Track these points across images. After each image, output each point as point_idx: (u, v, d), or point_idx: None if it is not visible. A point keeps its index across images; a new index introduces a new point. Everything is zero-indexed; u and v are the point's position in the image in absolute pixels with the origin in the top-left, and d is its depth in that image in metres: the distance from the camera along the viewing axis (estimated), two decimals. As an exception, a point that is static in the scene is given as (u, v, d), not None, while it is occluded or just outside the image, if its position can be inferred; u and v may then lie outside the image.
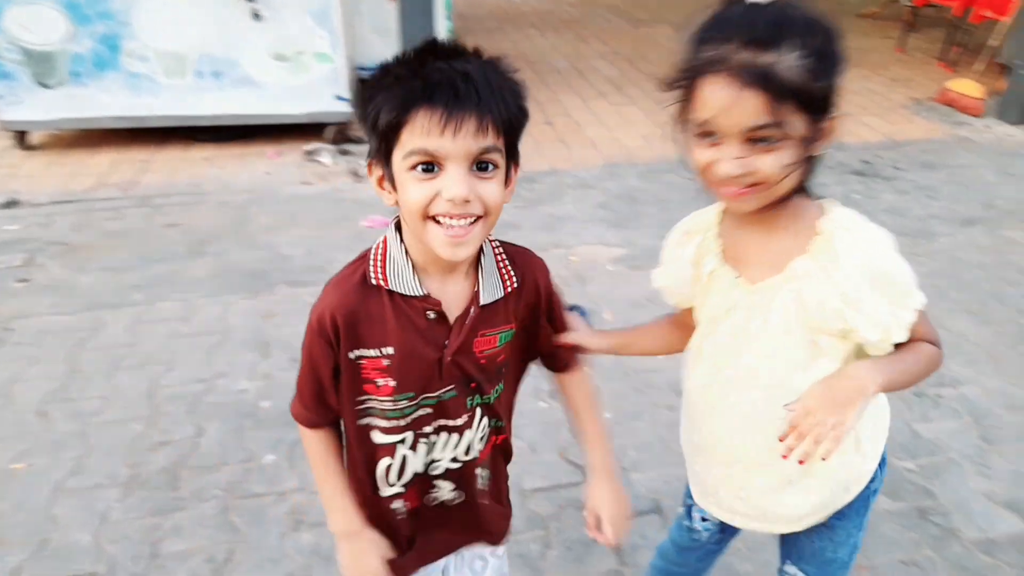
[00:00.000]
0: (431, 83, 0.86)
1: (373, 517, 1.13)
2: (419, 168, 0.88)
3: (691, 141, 0.96)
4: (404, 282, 0.98)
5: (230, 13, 4.03)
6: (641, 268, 3.18)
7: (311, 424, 1.10)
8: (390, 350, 0.99)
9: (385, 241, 1.00)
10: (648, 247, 3.35)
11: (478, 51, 0.92)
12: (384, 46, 4.81)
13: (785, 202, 0.97)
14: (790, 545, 1.26)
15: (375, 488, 1.11)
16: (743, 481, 1.16)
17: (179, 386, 2.45)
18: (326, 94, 4.29)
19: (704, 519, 1.35)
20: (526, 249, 1.12)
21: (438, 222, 0.89)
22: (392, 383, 1.01)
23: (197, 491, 2.05)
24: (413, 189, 0.89)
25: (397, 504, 1.13)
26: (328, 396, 1.05)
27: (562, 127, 4.89)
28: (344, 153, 4.33)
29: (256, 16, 4.04)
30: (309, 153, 4.31)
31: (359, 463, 1.11)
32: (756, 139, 0.90)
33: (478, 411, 1.09)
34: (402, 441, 1.06)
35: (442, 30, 4.89)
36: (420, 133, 0.86)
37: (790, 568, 1.27)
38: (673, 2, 8.93)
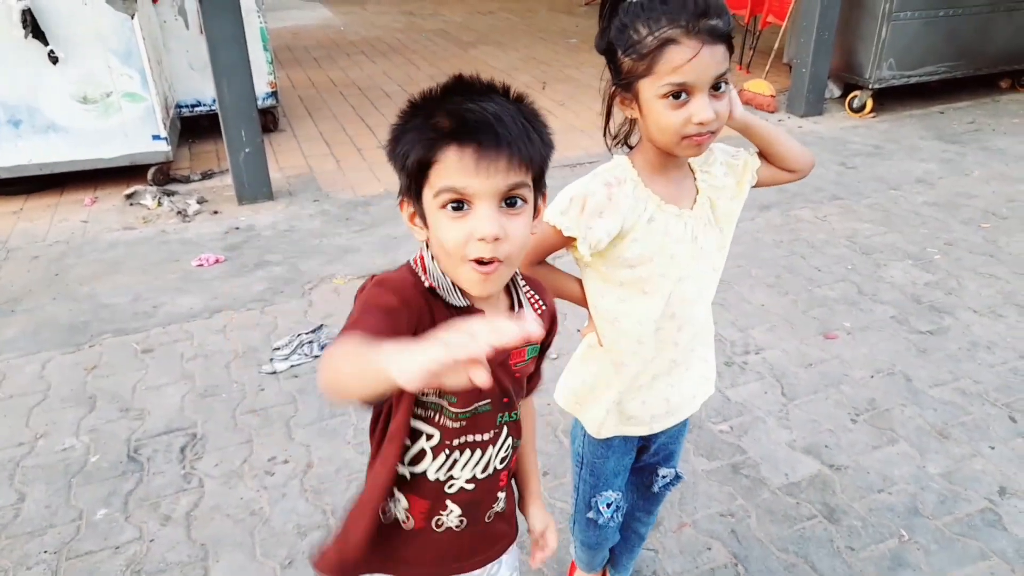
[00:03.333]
0: (463, 123, 0.87)
1: (379, 538, 1.08)
2: (450, 207, 0.89)
3: (654, 107, 1.13)
4: (448, 292, 0.98)
5: (23, 58, 3.79)
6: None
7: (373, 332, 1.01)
8: None
9: (422, 258, 1.00)
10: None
11: (505, 88, 0.94)
12: (203, 81, 4.70)
13: None
14: (660, 450, 1.55)
15: (395, 474, 1.06)
16: (678, 376, 1.41)
17: (-7, 454, 2.29)
18: (142, 134, 4.13)
19: (609, 504, 1.51)
20: (537, 280, 1.16)
21: (472, 261, 0.91)
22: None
23: (21, 559, 1.93)
24: (447, 229, 0.90)
25: (402, 513, 1.09)
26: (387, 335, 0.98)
27: (395, 150, 4.95)
28: (168, 194, 4.18)
29: (53, 59, 3.83)
30: (130, 197, 4.13)
31: (392, 454, 1.05)
32: (717, 85, 1.11)
33: (505, 428, 1.10)
34: (429, 436, 1.05)
35: (261, 62, 4.84)
36: (451, 172, 0.87)
37: (663, 471, 1.58)
38: (498, 25, 9.29)
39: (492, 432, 1.08)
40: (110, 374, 2.66)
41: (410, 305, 0.95)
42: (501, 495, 1.16)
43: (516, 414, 1.11)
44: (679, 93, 1.10)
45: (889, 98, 5.68)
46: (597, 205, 1.22)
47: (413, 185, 0.93)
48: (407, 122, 0.93)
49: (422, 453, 1.07)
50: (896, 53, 5.39)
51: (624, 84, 1.16)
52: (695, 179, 1.31)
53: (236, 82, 3.87)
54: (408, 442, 1.06)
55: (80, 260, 3.50)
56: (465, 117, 0.88)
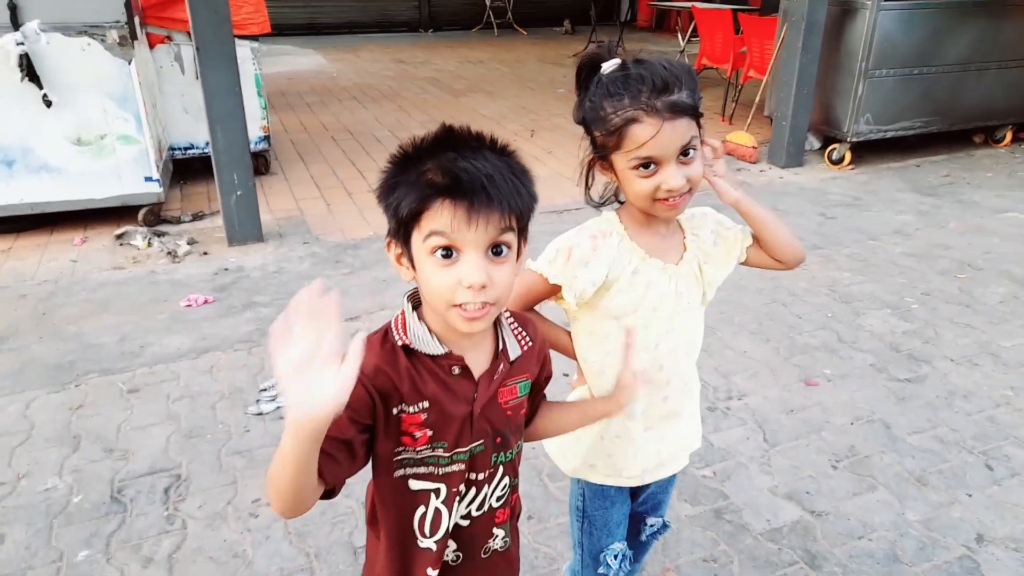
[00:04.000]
0: (457, 181, 0.91)
1: None
2: (439, 253, 0.94)
3: (627, 177, 1.21)
4: (425, 344, 1.03)
5: (19, 100, 3.86)
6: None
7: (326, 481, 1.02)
8: (425, 404, 1.03)
9: (403, 314, 1.05)
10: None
11: (493, 141, 0.99)
12: (196, 125, 4.78)
13: None
14: (649, 500, 1.58)
15: (414, 539, 1.11)
16: (667, 429, 1.45)
17: (-26, 494, 2.27)
18: (134, 176, 4.18)
19: (616, 556, 1.51)
20: (528, 317, 1.21)
21: (460, 307, 0.95)
22: (429, 432, 1.04)
23: (-2, 603, 1.91)
24: (435, 276, 0.95)
25: (430, 572, 1.12)
26: (340, 455, 0.98)
27: (385, 194, 5.02)
28: (159, 235, 4.21)
29: (47, 103, 3.89)
30: (120, 237, 4.16)
31: (396, 517, 1.10)
32: (685, 152, 1.18)
33: (500, 468, 1.12)
34: (436, 492, 1.08)
35: (255, 107, 4.93)
36: (443, 224, 0.92)
37: (651, 520, 1.60)
38: (488, 74, 9.51)
39: (488, 472, 1.11)
40: (95, 414, 2.66)
41: (376, 378, 0.99)
42: (499, 532, 1.18)
43: (511, 454, 1.14)
44: (648, 163, 1.18)
45: (867, 151, 5.85)
46: (582, 256, 1.28)
47: (402, 230, 0.97)
48: (399, 174, 0.97)
49: (438, 515, 1.10)
50: (873, 108, 5.57)
51: (600, 155, 1.25)
52: (684, 237, 1.37)
53: (230, 128, 3.95)
54: (424, 507, 1.08)
55: (68, 300, 3.51)
56: (459, 177, 0.92)
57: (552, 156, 5.88)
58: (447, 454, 1.06)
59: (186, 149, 5.03)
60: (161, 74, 4.78)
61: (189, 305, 3.44)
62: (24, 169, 3.99)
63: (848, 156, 5.69)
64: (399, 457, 1.06)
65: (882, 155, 5.91)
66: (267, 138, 5.24)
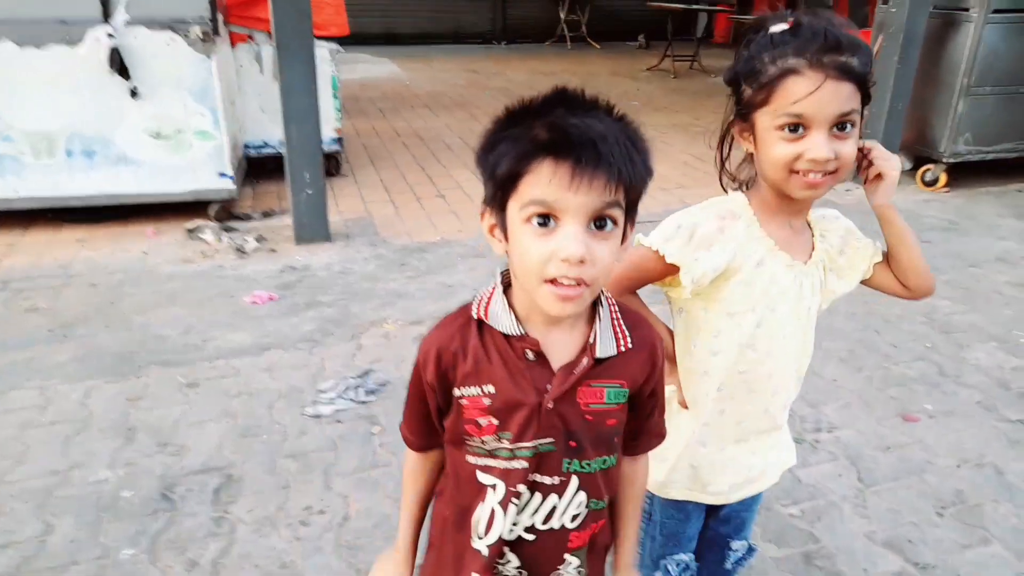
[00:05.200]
0: (565, 136, 0.82)
1: None
2: (535, 221, 0.85)
3: (768, 139, 1.07)
4: (500, 321, 0.95)
5: (105, 91, 3.91)
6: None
7: (415, 447, 1.10)
8: (491, 388, 0.95)
9: (493, 289, 0.98)
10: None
11: (609, 105, 0.90)
12: (272, 124, 4.78)
13: None
14: (732, 519, 1.41)
15: (469, 536, 1.02)
16: (762, 443, 1.31)
17: (28, 480, 2.22)
18: (209, 171, 4.19)
19: (678, 564, 1.37)
20: (645, 318, 1.07)
21: (553, 282, 0.86)
22: (495, 421, 0.96)
23: (40, 597, 1.84)
24: (529, 246, 0.86)
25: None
26: (432, 424, 1.04)
27: (454, 200, 4.94)
28: (228, 230, 4.21)
29: (134, 94, 3.94)
30: (191, 231, 4.17)
31: (458, 506, 1.04)
32: (840, 125, 1.03)
33: (574, 479, 0.99)
34: (494, 487, 0.99)
35: (329, 108, 4.92)
36: (543, 185, 0.83)
37: (735, 544, 1.43)
38: (559, 82, 9.40)
39: (558, 479, 0.99)
40: (153, 407, 2.61)
41: (440, 356, 0.96)
42: (573, 559, 1.03)
43: (590, 465, 0.99)
44: (796, 126, 1.03)
45: (963, 173, 5.46)
46: (706, 236, 1.12)
47: (499, 194, 0.88)
48: (503, 130, 0.88)
49: (492, 515, 0.99)
50: (973, 128, 5.20)
51: (742, 114, 1.10)
52: (812, 236, 1.21)
53: (304, 126, 3.91)
54: (479, 505, 0.99)
55: (137, 290, 3.51)
56: (568, 131, 0.83)
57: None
58: (510, 446, 0.96)
59: (260, 148, 5.05)
60: (240, 72, 4.82)
61: (254, 302, 3.39)
62: (104, 160, 4.04)
63: (943, 178, 5.33)
64: (469, 443, 0.99)
65: (980, 178, 5.51)
66: (340, 140, 5.23)
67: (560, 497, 0.99)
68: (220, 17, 4.32)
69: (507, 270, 0.97)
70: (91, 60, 3.84)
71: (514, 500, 0.98)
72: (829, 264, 1.23)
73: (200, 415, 2.57)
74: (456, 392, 0.97)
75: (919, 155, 5.54)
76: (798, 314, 1.20)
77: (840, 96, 1.02)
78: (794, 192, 1.09)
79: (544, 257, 0.85)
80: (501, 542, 1.00)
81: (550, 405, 0.94)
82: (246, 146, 4.99)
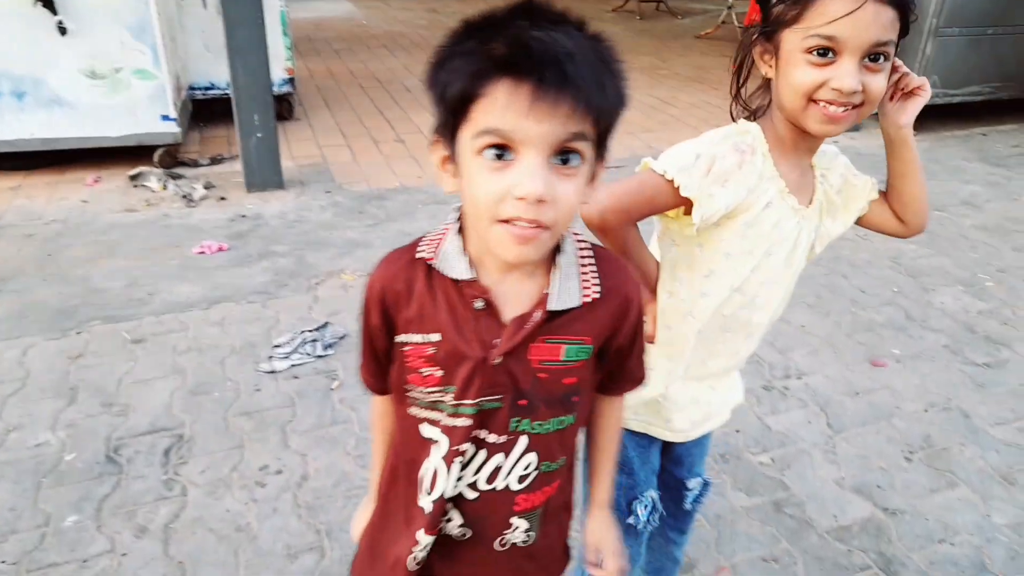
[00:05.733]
0: (525, 52, 0.71)
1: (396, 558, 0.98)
2: (490, 153, 0.74)
3: (793, 61, 0.97)
4: (450, 264, 0.85)
5: (30, 27, 3.62)
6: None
7: (377, 390, 1.01)
8: (436, 337, 0.87)
9: (446, 230, 0.88)
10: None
11: (580, 20, 0.77)
12: (218, 63, 4.50)
13: None
14: (685, 458, 1.38)
15: (416, 493, 0.95)
16: (721, 382, 1.28)
17: (-41, 446, 2.08)
18: (151, 114, 3.94)
19: (646, 506, 1.32)
20: (622, 262, 0.96)
21: (508, 222, 0.75)
22: (439, 372, 0.88)
23: (-25, 569, 1.72)
24: (481, 181, 0.75)
25: (420, 535, 0.94)
26: (383, 365, 0.96)
27: (414, 144, 4.76)
28: (174, 177, 3.98)
29: (62, 30, 3.65)
30: (134, 178, 3.94)
31: (404, 460, 0.97)
32: (873, 56, 0.94)
33: (523, 439, 0.91)
34: (437, 443, 0.91)
35: (279, 46, 4.66)
36: (499, 110, 0.72)
37: (691, 483, 1.39)
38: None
39: (505, 437, 0.90)
40: (95, 364, 2.46)
41: (384, 297, 0.89)
42: (520, 523, 0.96)
43: (542, 427, 0.91)
44: (825, 50, 0.94)
45: (929, 117, 5.40)
46: (724, 171, 1.03)
47: (450, 121, 0.77)
48: (458, 43, 0.75)
49: (436, 472, 0.92)
50: (940, 70, 5.16)
51: (768, 32, 1.00)
52: (814, 176, 1.13)
53: (251, 63, 3.68)
54: (425, 461, 0.92)
55: (76, 241, 3.30)
56: (529, 45, 0.71)
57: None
58: (454, 401, 0.88)
59: (207, 89, 4.78)
60: (181, 7, 4.51)
61: (202, 252, 3.22)
62: (35, 102, 3.77)
63: (909, 121, 5.29)
64: (410, 393, 0.91)
65: (945, 122, 5.50)
66: (291, 81, 4.97)
67: (506, 456, 0.91)
68: (157, -54, 4.00)
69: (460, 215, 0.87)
70: (12, -10, 3.53)
71: (458, 458, 0.90)
72: (827, 205, 1.15)
73: (147, 373, 2.43)
74: (399, 338, 0.90)
75: (885, 98, 5.49)
76: (791, 261, 1.13)
77: (880, 21, 0.92)
78: (811, 125, 0.99)
79: (498, 195, 0.74)
80: (443, 499, 0.93)
81: (496, 360, 0.85)
82: (191, 87, 4.71)
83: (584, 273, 0.88)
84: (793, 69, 0.97)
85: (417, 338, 0.88)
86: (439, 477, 0.91)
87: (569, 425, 0.93)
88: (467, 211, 0.83)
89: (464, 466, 0.91)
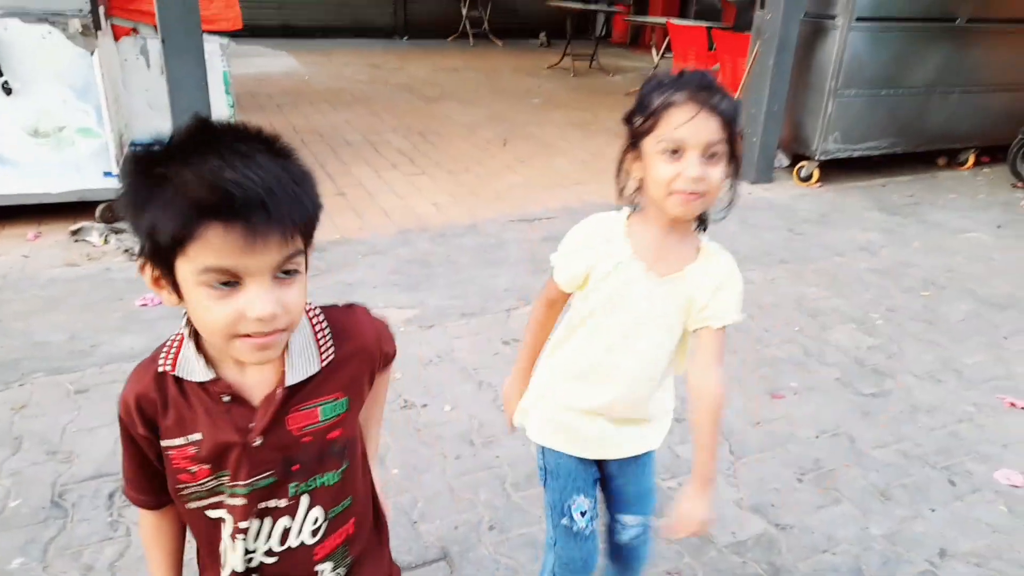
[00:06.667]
0: (228, 200, 0.75)
1: None
2: (215, 285, 0.80)
3: (653, 162, 1.24)
4: (191, 370, 0.92)
5: (-25, 86, 3.72)
6: (432, 327, 3.27)
7: (145, 505, 1.04)
8: (197, 436, 0.93)
9: (182, 337, 0.94)
10: (439, 307, 3.46)
11: (261, 135, 0.83)
12: (162, 120, 4.65)
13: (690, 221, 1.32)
14: (617, 493, 1.59)
15: (219, 569, 1.02)
16: (618, 428, 1.48)
17: (-97, 496, 2.14)
18: (94, 170, 4.05)
19: (583, 512, 1.51)
20: (355, 312, 1.06)
21: (247, 336, 0.83)
22: (207, 466, 0.94)
23: (-78, 612, 1.79)
24: (213, 309, 0.81)
25: None
26: (153, 477, 1.00)
27: (354, 197, 4.96)
28: (116, 231, 4.08)
29: (7, 90, 3.76)
30: (75, 233, 4.02)
31: (204, 544, 1.03)
32: (710, 154, 1.21)
33: (304, 499, 0.98)
34: (224, 521, 0.98)
35: (222, 105, 4.83)
36: (214, 251, 0.77)
37: (625, 518, 1.61)
38: (463, 82, 9.48)
39: (286, 501, 0.98)
40: (39, 415, 2.54)
41: (142, 408, 0.93)
42: (324, 567, 1.05)
43: (319, 481, 0.99)
44: (675, 150, 1.22)
45: (835, 169, 5.92)
46: (573, 244, 1.38)
47: (162, 254, 0.81)
48: (149, 184, 0.78)
49: (223, 551, 1.00)
50: (841, 127, 5.65)
51: (634, 142, 1.29)
52: (693, 263, 1.33)
53: (195, 123, 3.83)
54: (219, 537, 0.99)
55: (17, 296, 3.37)
56: (229, 192, 0.76)
57: (525, 165, 5.84)
58: (230, 484, 0.95)
59: (145, 144, 4.88)
60: (125, 67, 4.65)
61: (144, 304, 3.33)
62: (-24, 160, 3.84)
63: (816, 174, 5.75)
64: (184, 492, 0.97)
65: (849, 173, 5.99)
66: (234, 137, 5.12)
67: (292, 518, 0.99)
68: (101, 9, 4.16)
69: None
70: (-42, 53, 3.64)
71: (239, 535, 0.98)
72: (695, 294, 1.33)
73: (90, 421, 2.52)
74: (163, 443, 0.95)
75: (795, 153, 5.95)
76: (649, 319, 1.35)
77: (710, 126, 1.20)
78: (671, 210, 1.26)
79: (231, 319, 0.81)
80: (236, 573, 1.00)
81: (257, 442, 0.93)
82: (133, 144, 4.82)
83: (320, 340, 0.97)
84: (653, 169, 1.25)
85: (179, 441, 0.93)
86: (228, 553, 0.99)
87: (346, 470, 1.02)
88: (200, 328, 0.87)
89: (256, 537, 0.99)
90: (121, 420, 0.97)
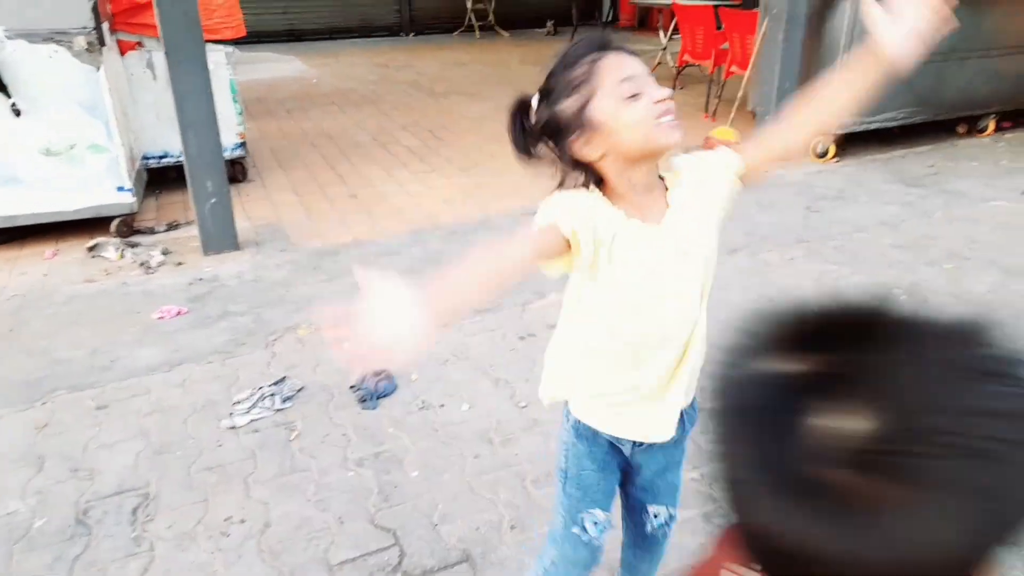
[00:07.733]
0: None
1: None
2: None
3: (620, 115, 1.16)
4: None
5: (-15, 109, 3.76)
6: (446, 327, 3.25)
7: None
8: None
9: None
10: (452, 305, 3.44)
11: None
12: (170, 133, 4.66)
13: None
14: (646, 485, 1.51)
15: None
16: (669, 391, 1.37)
17: (-69, 520, 2.17)
18: (106, 186, 4.08)
19: (595, 523, 1.46)
20: None
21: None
22: None
23: (-47, 635, 1.82)
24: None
25: None
26: None
27: (366, 198, 4.95)
28: (132, 245, 4.11)
29: (16, 112, 3.80)
30: (92, 249, 4.06)
31: None
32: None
33: None
34: None
35: (230, 113, 4.84)
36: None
37: (653, 508, 1.55)
38: (471, 76, 9.44)
39: None
40: (62, 432, 2.57)
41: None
42: None
43: None
44: (632, 93, 1.16)
45: (852, 143, 5.80)
46: (570, 207, 1.22)
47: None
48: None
49: None
50: (856, 100, 5.52)
51: (580, 124, 1.19)
52: (666, 191, 1.27)
53: (202, 133, 3.86)
54: None
55: (37, 314, 3.41)
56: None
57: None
58: None
59: (160, 158, 4.92)
60: (133, 81, 4.68)
61: (162, 317, 3.35)
62: (-9, 182, 3.89)
63: (833, 149, 5.64)
64: None
65: (867, 147, 5.87)
66: (243, 145, 5.15)
67: None
68: (106, 25, 4.19)
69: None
70: (-34, 78, 3.68)
71: None
72: (695, 191, 1.26)
73: (112, 437, 2.54)
74: None
75: (809, 128, 5.84)
76: (670, 273, 1.26)
77: (636, 61, 1.21)
78: (667, 138, 1.17)
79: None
80: None
81: None
82: (145, 157, 4.86)
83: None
84: (626, 118, 1.15)
85: None
86: None
87: None
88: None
89: None
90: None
